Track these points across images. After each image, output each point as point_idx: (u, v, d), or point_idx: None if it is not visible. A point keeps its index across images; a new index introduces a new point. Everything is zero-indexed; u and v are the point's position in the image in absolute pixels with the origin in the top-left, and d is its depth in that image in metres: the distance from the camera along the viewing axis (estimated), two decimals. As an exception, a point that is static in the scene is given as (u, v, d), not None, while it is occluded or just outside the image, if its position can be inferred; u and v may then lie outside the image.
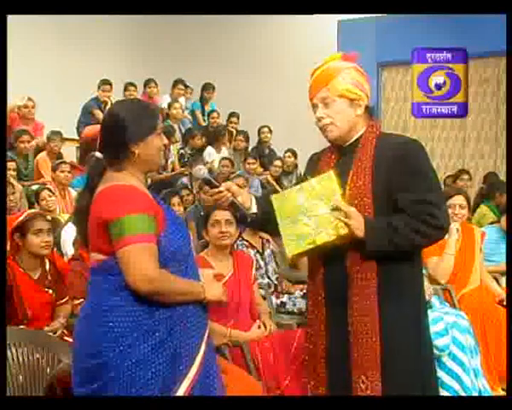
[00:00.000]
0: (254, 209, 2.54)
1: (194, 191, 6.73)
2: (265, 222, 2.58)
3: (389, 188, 2.37)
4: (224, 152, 8.26)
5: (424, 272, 4.15)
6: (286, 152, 8.43)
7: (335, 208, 2.33)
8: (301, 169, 8.02)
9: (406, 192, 2.35)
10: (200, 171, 2.56)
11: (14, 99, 7.02)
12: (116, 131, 2.16)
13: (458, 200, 4.53)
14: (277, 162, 8.15)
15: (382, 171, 2.38)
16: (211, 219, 3.63)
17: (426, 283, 4.18)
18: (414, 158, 2.40)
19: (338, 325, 2.44)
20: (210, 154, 8.08)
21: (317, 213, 2.36)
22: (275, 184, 7.95)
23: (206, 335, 2.23)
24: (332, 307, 2.46)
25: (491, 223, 5.80)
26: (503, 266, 4.66)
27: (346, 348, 2.41)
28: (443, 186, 7.57)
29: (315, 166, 2.60)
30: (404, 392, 2.37)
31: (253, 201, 2.55)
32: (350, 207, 2.34)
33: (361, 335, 2.38)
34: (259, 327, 3.56)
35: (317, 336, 2.49)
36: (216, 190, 2.47)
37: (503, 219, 5.17)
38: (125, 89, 8.47)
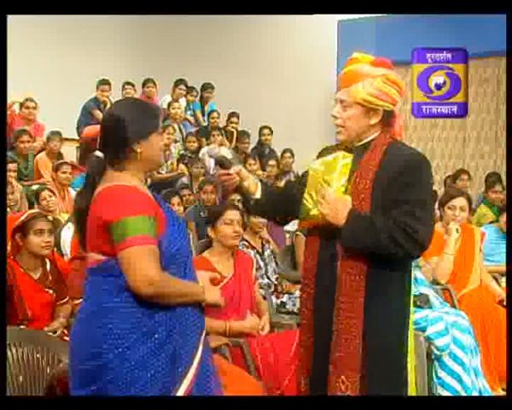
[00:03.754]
0: (258, 195, 2.61)
1: (195, 191, 6.74)
2: (266, 208, 2.69)
3: (387, 197, 2.38)
4: (223, 151, 8.24)
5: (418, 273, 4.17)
6: (284, 152, 8.43)
7: (320, 191, 2.38)
8: (299, 168, 8.02)
9: (400, 203, 2.35)
10: (215, 150, 2.63)
11: (13, 96, 7.01)
12: (118, 131, 2.15)
13: (460, 202, 4.52)
14: (272, 162, 8.11)
15: (384, 180, 2.39)
16: (224, 218, 3.62)
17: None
18: (414, 173, 2.39)
19: (323, 322, 2.47)
20: (204, 154, 8.05)
21: (318, 188, 2.43)
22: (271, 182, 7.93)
23: (204, 334, 2.22)
24: (320, 303, 2.50)
25: (490, 222, 5.80)
26: (503, 267, 4.66)
27: (328, 344, 2.44)
28: (443, 186, 7.58)
29: None
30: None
31: (259, 187, 2.62)
32: (334, 194, 2.37)
33: (345, 335, 2.40)
34: (252, 314, 3.58)
35: (306, 330, 2.54)
36: (226, 171, 2.56)
37: (502, 219, 5.17)
38: (123, 88, 8.49)
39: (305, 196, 2.50)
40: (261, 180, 2.78)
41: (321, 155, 2.69)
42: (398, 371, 2.47)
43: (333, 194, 2.38)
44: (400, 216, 2.34)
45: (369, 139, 2.48)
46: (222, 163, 2.61)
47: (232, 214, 3.63)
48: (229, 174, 2.56)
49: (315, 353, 2.51)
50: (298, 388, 2.62)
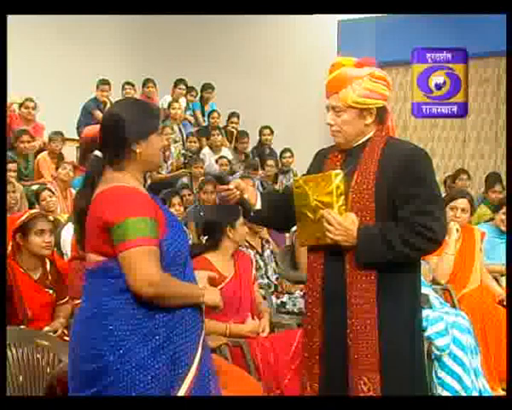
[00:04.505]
0: (258, 206, 2.63)
1: (195, 191, 6.73)
2: (267, 219, 2.73)
3: (392, 195, 2.38)
4: (224, 151, 8.25)
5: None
6: (284, 152, 8.43)
7: (325, 218, 2.40)
8: (298, 168, 8.03)
9: (408, 201, 2.36)
10: (213, 167, 2.64)
11: (12, 96, 7.02)
12: (117, 131, 2.14)
13: (462, 204, 4.51)
14: (270, 162, 8.10)
15: (386, 178, 2.39)
16: (241, 220, 3.65)
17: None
18: (417, 168, 2.40)
19: (334, 324, 2.46)
20: (205, 154, 8.07)
21: (319, 214, 2.44)
22: (271, 183, 7.93)
23: (203, 335, 2.22)
24: (329, 306, 2.48)
25: (487, 221, 5.79)
26: (503, 268, 4.65)
27: (341, 347, 2.43)
28: (443, 186, 7.57)
29: (321, 163, 2.61)
30: (398, 393, 2.39)
31: (259, 198, 2.63)
32: (339, 217, 2.38)
33: (361, 336, 2.39)
34: (253, 318, 3.59)
35: (313, 334, 2.52)
36: (225, 187, 2.58)
37: (497, 217, 5.17)
38: (123, 88, 8.50)
39: (296, 219, 2.55)
40: (262, 183, 2.80)
41: (316, 157, 2.69)
42: (415, 371, 2.48)
43: (338, 217, 2.39)
44: (410, 216, 2.34)
45: (365, 139, 2.49)
46: (220, 179, 2.64)
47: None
48: (229, 189, 2.57)
49: (325, 356, 2.49)
50: (303, 391, 2.58)
